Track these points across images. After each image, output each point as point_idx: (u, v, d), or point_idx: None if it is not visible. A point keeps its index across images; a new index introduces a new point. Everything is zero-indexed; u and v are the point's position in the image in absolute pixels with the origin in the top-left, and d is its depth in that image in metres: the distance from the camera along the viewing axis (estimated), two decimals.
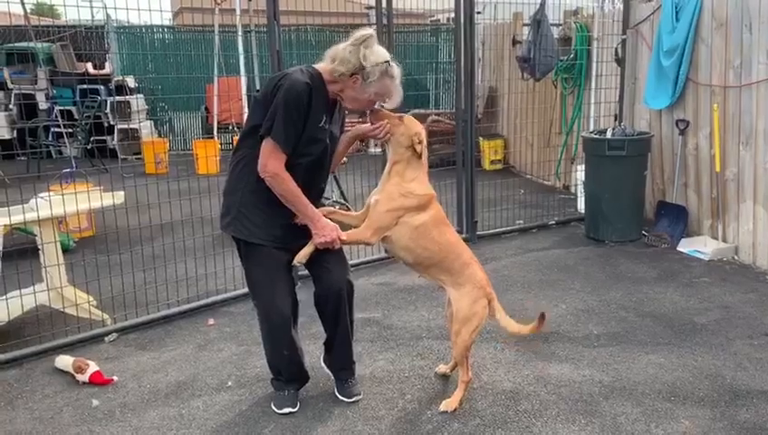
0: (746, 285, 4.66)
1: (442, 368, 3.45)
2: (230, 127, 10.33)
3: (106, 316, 4.16)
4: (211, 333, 4.08)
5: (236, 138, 3.24)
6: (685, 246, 5.45)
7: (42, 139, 9.89)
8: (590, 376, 3.41)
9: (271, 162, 2.74)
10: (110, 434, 3.01)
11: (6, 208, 3.94)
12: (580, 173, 6.54)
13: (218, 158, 7.92)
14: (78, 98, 10.31)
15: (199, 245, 5.02)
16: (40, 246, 4.02)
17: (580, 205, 6.52)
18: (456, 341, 3.03)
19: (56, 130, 10.05)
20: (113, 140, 10.67)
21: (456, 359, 3.17)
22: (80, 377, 3.45)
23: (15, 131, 10.38)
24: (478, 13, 7.44)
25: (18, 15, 10.54)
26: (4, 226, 3.85)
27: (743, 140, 5.14)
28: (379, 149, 8.13)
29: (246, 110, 7.62)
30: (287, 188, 2.77)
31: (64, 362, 3.57)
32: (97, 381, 3.43)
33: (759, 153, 4.98)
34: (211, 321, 4.25)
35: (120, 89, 10.76)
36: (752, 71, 5.01)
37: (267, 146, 2.74)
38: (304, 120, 2.75)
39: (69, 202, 4.02)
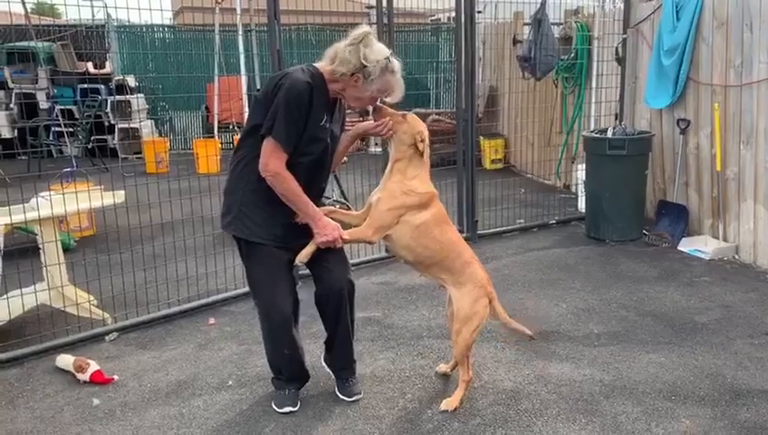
0: (747, 285, 4.66)
1: (443, 367, 3.44)
2: (230, 126, 10.32)
3: (107, 315, 4.16)
4: (212, 333, 4.08)
5: (237, 137, 3.25)
6: (685, 246, 5.44)
7: (42, 138, 9.88)
8: (591, 375, 3.41)
9: (272, 161, 2.74)
10: (111, 433, 3.01)
11: (7, 208, 3.95)
12: (580, 172, 6.55)
13: (219, 157, 7.92)
14: (78, 97, 10.31)
15: (200, 244, 5.02)
16: (41, 246, 4.02)
17: (581, 204, 6.52)
18: (457, 340, 3.03)
19: (57, 129, 10.04)
20: (114, 139, 10.67)
21: (456, 358, 3.17)
22: (80, 376, 3.45)
23: (16, 131, 10.39)
24: (479, 12, 7.45)
25: (19, 15, 10.57)
26: (5, 225, 3.85)
27: (743, 140, 5.13)
28: (380, 149, 8.14)
29: (247, 109, 7.60)
30: (288, 187, 2.77)
31: (65, 361, 3.57)
32: (98, 381, 3.43)
33: (760, 152, 4.98)
34: (212, 320, 4.26)
35: (121, 88, 10.76)
36: (752, 70, 5.00)
37: (268, 145, 2.74)
38: (305, 120, 2.75)
39: (69, 201, 4.03)
